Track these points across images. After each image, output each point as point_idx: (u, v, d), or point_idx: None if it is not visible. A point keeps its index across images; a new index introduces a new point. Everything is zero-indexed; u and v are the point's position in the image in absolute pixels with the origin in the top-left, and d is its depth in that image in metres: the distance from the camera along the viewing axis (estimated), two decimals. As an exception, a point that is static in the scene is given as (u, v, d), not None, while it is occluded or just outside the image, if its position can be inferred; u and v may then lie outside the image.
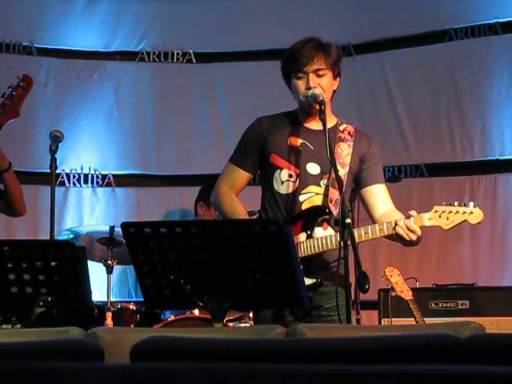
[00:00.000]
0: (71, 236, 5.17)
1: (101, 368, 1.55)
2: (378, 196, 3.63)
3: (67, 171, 6.33)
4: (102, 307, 4.79)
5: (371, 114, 6.21)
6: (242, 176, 3.65)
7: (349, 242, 3.20)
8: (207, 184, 5.17)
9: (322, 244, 3.46)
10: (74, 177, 6.35)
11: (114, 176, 6.40)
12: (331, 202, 3.54)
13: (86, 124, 6.36)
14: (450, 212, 3.43)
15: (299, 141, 3.60)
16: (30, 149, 6.12)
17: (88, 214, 6.32)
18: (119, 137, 6.44)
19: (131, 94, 6.50)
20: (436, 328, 2.64)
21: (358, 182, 3.65)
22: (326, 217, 3.54)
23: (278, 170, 3.58)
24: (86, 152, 6.37)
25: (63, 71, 6.42)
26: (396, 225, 3.40)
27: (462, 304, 4.91)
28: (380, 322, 4.93)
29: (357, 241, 3.31)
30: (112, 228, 4.86)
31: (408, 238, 3.39)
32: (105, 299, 4.86)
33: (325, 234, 3.50)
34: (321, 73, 3.53)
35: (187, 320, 4.65)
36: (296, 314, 3.46)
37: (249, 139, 3.65)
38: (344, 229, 3.20)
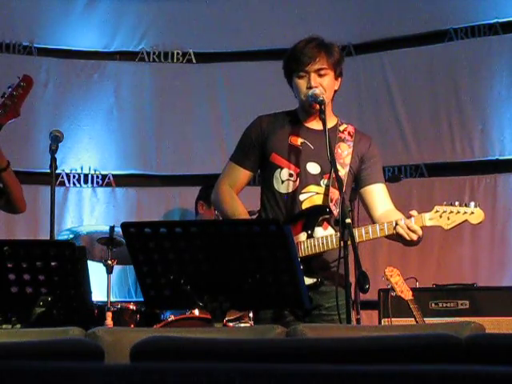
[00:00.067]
0: (71, 236, 5.17)
1: (101, 368, 1.55)
2: (378, 195, 3.63)
3: (67, 171, 6.33)
4: (102, 307, 4.79)
5: (371, 114, 6.21)
6: (243, 174, 3.65)
7: (349, 242, 3.20)
8: (207, 183, 5.17)
9: (322, 244, 3.46)
10: (74, 177, 6.35)
11: (113, 176, 6.40)
12: (331, 201, 3.54)
13: (85, 124, 6.36)
14: (451, 212, 3.43)
15: (299, 140, 3.60)
16: (30, 149, 6.13)
17: (88, 213, 6.32)
18: (119, 137, 6.44)
19: (131, 93, 6.50)
20: (436, 328, 2.64)
21: (358, 181, 3.65)
22: (327, 216, 3.54)
23: (279, 170, 3.58)
24: (85, 152, 6.37)
25: (63, 71, 6.42)
26: (397, 224, 3.40)
27: (461, 304, 4.91)
28: (380, 322, 4.93)
29: (357, 241, 3.31)
30: (112, 228, 4.86)
31: (409, 238, 3.39)
32: (105, 299, 4.86)
33: (325, 234, 3.50)
34: (322, 72, 3.53)
35: (187, 320, 4.65)
36: (296, 313, 3.46)
37: (249, 138, 3.66)
38: (344, 229, 3.20)
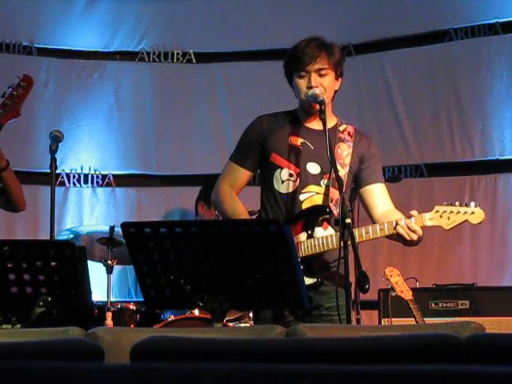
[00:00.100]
0: (71, 236, 5.17)
1: (101, 368, 1.55)
2: (378, 195, 3.63)
3: (67, 171, 6.33)
4: (102, 307, 4.79)
5: (371, 114, 6.21)
6: (243, 174, 3.65)
7: (349, 242, 3.20)
8: (207, 183, 5.17)
9: (322, 244, 3.46)
10: (74, 177, 6.35)
11: (114, 176, 6.40)
12: (332, 201, 3.54)
13: (85, 124, 6.36)
14: (451, 212, 3.43)
15: (299, 140, 3.60)
16: (30, 149, 6.12)
17: (88, 213, 6.32)
18: (119, 137, 6.44)
19: (131, 93, 6.50)
20: (436, 328, 2.64)
21: (358, 181, 3.65)
22: (327, 216, 3.54)
23: (279, 170, 3.58)
24: (85, 152, 6.37)
25: (63, 71, 6.42)
26: (397, 224, 3.40)
27: (461, 304, 4.91)
28: (380, 322, 4.93)
29: (357, 241, 3.31)
30: (112, 228, 4.86)
31: (409, 238, 3.39)
32: (105, 299, 4.86)
33: (325, 234, 3.50)
34: (323, 72, 3.53)
35: (187, 320, 4.65)
36: (296, 313, 3.46)
37: (249, 138, 3.66)
38: (344, 228, 3.20)
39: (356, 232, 3.36)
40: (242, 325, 4.47)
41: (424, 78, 6.16)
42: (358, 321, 4.48)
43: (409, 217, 3.43)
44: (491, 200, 5.85)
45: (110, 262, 4.83)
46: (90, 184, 6.36)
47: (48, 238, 3.82)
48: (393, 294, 4.67)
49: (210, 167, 5.85)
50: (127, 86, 6.50)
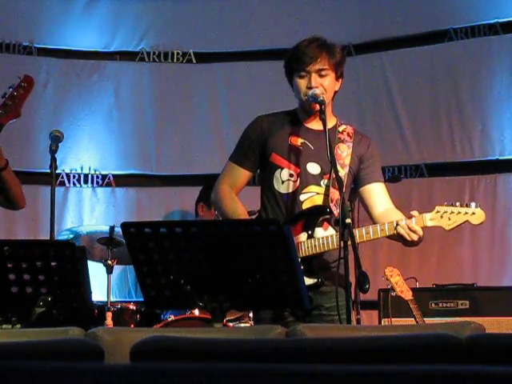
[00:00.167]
0: (71, 236, 5.17)
1: (101, 368, 1.55)
2: (377, 194, 3.63)
3: (67, 171, 6.33)
4: (102, 307, 4.79)
5: (371, 114, 6.21)
6: (243, 174, 3.65)
7: (349, 242, 3.20)
8: (207, 184, 5.17)
9: (322, 244, 3.46)
10: (74, 177, 6.35)
11: (114, 176, 6.40)
12: (332, 201, 3.54)
13: (85, 124, 6.36)
14: (452, 212, 3.43)
15: (299, 140, 3.60)
16: (30, 149, 6.12)
17: (88, 214, 6.32)
18: (119, 137, 6.44)
19: (131, 93, 6.50)
20: (436, 328, 2.64)
21: (357, 181, 3.65)
22: (327, 217, 3.54)
23: (279, 170, 3.57)
24: (86, 152, 6.37)
25: (63, 71, 6.42)
26: (397, 225, 3.40)
27: (461, 304, 4.91)
28: (380, 322, 4.93)
29: (358, 241, 3.31)
30: (112, 228, 4.86)
31: (409, 238, 3.39)
32: (105, 299, 4.86)
33: (325, 234, 3.50)
34: (323, 73, 3.53)
35: (187, 320, 4.65)
36: (296, 314, 3.46)
37: (249, 138, 3.65)
38: (344, 229, 3.20)
39: (356, 232, 3.36)
40: (242, 325, 4.48)
41: (424, 78, 6.16)
42: (358, 321, 4.48)
43: (409, 217, 3.43)
44: (491, 200, 5.85)
45: (110, 261, 4.83)
46: (89, 184, 6.37)
47: (48, 237, 3.82)
48: (393, 293, 4.67)
49: (210, 167, 5.84)
50: (127, 86, 6.50)
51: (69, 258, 2.82)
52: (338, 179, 3.38)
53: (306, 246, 3.48)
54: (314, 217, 3.54)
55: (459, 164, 6.04)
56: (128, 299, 5.98)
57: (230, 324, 4.41)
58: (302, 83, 3.54)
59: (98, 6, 6.46)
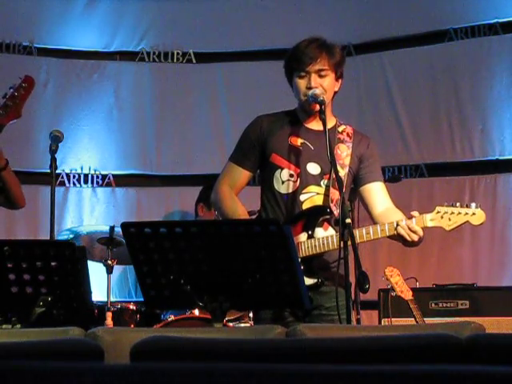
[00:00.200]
0: (71, 236, 5.17)
1: (101, 368, 1.55)
2: (377, 193, 3.63)
3: (67, 171, 6.33)
4: (102, 307, 4.79)
5: (371, 114, 6.21)
6: (243, 175, 3.65)
7: (349, 242, 3.20)
8: (207, 185, 5.17)
9: (322, 244, 3.46)
10: (74, 177, 6.35)
11: (114, 176, 6.40)
12: (332, 202, 3.54)
13: (85, 124, 6.37)
14: (452, 213, 3.43)
15: (299, 141, 3.60)
16: (30, 149, 6.12)
17: (88, 214, 6.32)
18: (119, 137, 6.44)
19: (131, 93, 6.50)
20: (436, 328, 2.63)
21: (357, 180, 3.65)
22: (327, 217, 3.54)
23: (279, 170, 3.57)
24: (86, 152, 6.37)
25: (63, 71, 6.42)
26: (398, 225, 3.39)
27: (461, 304, 4.91)
28: (380, 322, 4.93)
29: (358, 241, 3.31)
30: (112, 228, 4.86)
31: (410, 239, 3.39)
32: (105, 299, 4.86)
33: (326, 235, 3.50)
34: (323, 73, 3.53)
35: (187, 320, 4.65)
36: (296, 314, 3.46)
37: (249, 138, 3.65)
38: (344, 229, 3.20)
39: (357, 232, 3.36)
40: (242, 325, 4.48)
41: (424, 78, 6.16)
42: (358, 321, 4.48)
43: (410, 217, 3.43)
44: (491, 200, 5.85)
45: (110, 261, 4.83)
46: (90, 184, 6.37)
47: (48, 237, 3.82)
48: (393, 293, 4.67)
49: (210, 167, 5.84)
50: (127, 86, 6.50)
51: (69, 258, 2.82)
52: (338, 179, 3.38)
53: (306, 246, 3.48)
54: (314, 217, 3.54)
55: (459, 164, 6.04)
56: (128, 299, 5.98)
57: (230, 324, 4.41)
58: (302, 83, 3.54)
59: (97, 6, 6.46)
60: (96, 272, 4.50)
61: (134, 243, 2.79)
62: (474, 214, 3.42)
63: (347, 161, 3.60)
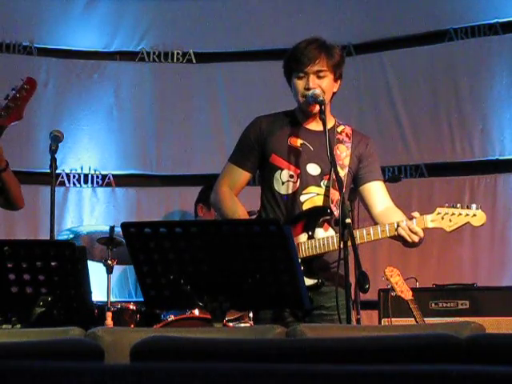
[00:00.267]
0: (71, 236, 5.16)
1: (101, 368, 1.55)
2: (377, 193, 3.63)
3: (67, 171, 6.33)
4: (102, 307, 4.79)
5: (371, 114, 6.21)
6: (243, 176, 3.65)
7: (349, 243, 3.19)
8: (207, 185, 5.17)
9: (323, 245, 3.46)
10: (74, 177, 6.35)
11: (114, 176, 6.40)
12: (332, 202, 3.54)
13: (85, 124, 6.37)
14: (453, 214, 3.43)
15: (299, 141, 3.60)
16: (30, 149, 6.13)
17: (88, 214, 6.32)
18: (119, 137, 6.44)
19: (131, 93, 6.50)
20: (436, 328, 2.63)
21: (356, 180, 3.65)
22: (327, 217, 3.54)
23: (279, 171, 3.57)
24: (86, 152, 6.37)
25: (63, 71, 6.42)
26: (398, 226, 3.39)
27: (462, 304, 4.91)
28: (380, 322, 4.93)
29: (358, 242, 3.31)
30: (112, 228, 4.86)
31: (410, 240, 3.39)
32: (105, 299, 4.86)
33: (326, 235, 3.50)
34: (322, 74, 3.52)
35: (187, 320, 4.65)
36: (296, 314, 3.46)
37: (248, 139, 3.65)
38: (344, 229, 3.20)
39: (357, 233, 3.36)
40: (242, 325, 4.47)
41: (424, 78, 6.16)
42: (358, 321, 4.48)
43: (410, 218, 3.42)
44: (491, 200, 5.85)
45: (110, 261, 4.83)
46: (90, 184, 6.37)
47: (48, 237, 3.82)
48: (393, 293, 4.67)
49: (210, 167, 5.85)
50: (127, 86, 6.50)
51: (69, 257, 2.82)
52: (338, 180, 3.38)
53: (306, 246, 3.48)
54: (315, 217, 3.53)
55: (459, 164, 6.04)
56: (128, 299, 5.98)
57: (230, 324, 4.41)
58: (300, 84, 3.53)
59: (97, 5, 6.46)
60: (96, 272, 4.49)
61: (134, 243, 2.79)
62: (474, 215, 3.42)
63: (347, 161, 3.60)
